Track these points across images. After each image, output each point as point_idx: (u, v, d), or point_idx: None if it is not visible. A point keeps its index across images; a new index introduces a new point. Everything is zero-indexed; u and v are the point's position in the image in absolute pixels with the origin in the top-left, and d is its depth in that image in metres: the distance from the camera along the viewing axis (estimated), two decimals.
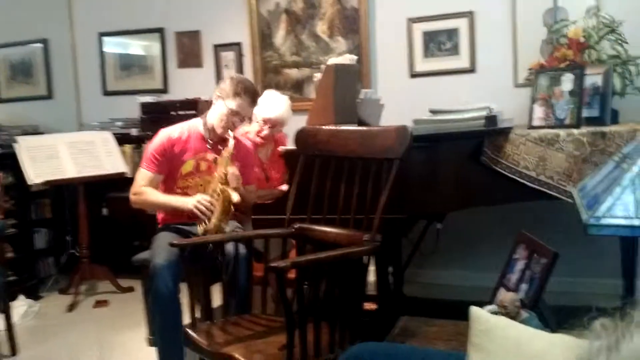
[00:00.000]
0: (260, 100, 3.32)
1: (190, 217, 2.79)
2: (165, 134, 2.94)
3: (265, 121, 3.25)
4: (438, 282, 3.96)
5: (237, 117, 2.87)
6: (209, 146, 2.95)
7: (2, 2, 5.16)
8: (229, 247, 2.47)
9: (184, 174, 2.93)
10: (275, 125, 3.27)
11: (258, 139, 3.27)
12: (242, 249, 2.48)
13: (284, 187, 3.02)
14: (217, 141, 2.94)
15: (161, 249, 2.70)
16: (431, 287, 3.90)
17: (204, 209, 2.71)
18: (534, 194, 2.64)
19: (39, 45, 5.15)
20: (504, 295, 2.00)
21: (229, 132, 2.83)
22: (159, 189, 2.96)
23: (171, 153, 2.91)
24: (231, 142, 2.79)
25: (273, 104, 3.28)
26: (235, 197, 2.70)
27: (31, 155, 4.04)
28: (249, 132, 3.29)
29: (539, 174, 2.60)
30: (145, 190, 2.90)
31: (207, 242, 2.44)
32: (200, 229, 2.73)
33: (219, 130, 2.89)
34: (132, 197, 2.94)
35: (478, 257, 3.81)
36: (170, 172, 2.94)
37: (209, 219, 2.71)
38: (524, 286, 2.13)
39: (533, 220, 3.10)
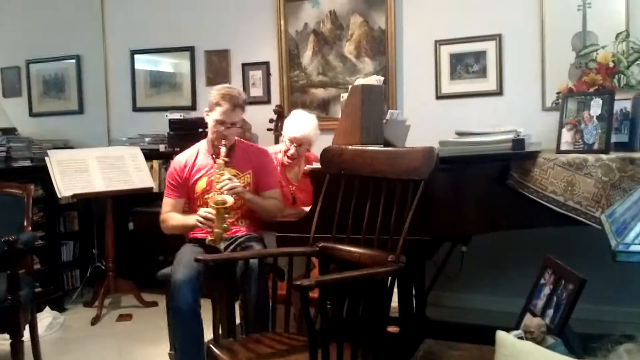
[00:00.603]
0: (287, 120, 3.37)
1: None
2: (176, 161, 3.10)
3: (291, 140, 3.28)
4: (462, 305, 3.91)
5: (224, 125, 2.93)
6: (214, 161, 3.02)
7: (37, 19, 5.30)
8: (249, 263, 2.50)
9: (199, 192, 3.03)
10: (301, 144, 3.29)
11: (285, 159, 3.30)
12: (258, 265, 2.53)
13: (307, 209, 3.02)
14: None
15: (181, 265, 2.74)
16: (455, 310, 3.86)
17: (203, 220, 2.77)
18: (562, 219, 2.60)
19: (71, 61, 5.27)
20: (530, 321, 1.98)
21: (222, 141, 2.90)
22: (186, 212, 3.06)
23: (183, 177, 3.03)
24: (222, 150, 2.87)
25: (299, 123, 3.30)
26: (229, 199, 2.77)
27: (61, 168, 4.11)
28: (279, 152, 3.34)
29: (567, 199, 2.56)
30: (170, 216, 3.04)
31: (230, 258, 2.45)
32: (208, 239, 2.80)
33: (215, 143, 2.99)
34: (161, 225, 3.09)
35: (503, 281, 3.77)
36: (188, 194, 3.07)
37: (213, 229, 2.77)
38: (550, 312, 2.10)
39: (559, 245, 3.06)
